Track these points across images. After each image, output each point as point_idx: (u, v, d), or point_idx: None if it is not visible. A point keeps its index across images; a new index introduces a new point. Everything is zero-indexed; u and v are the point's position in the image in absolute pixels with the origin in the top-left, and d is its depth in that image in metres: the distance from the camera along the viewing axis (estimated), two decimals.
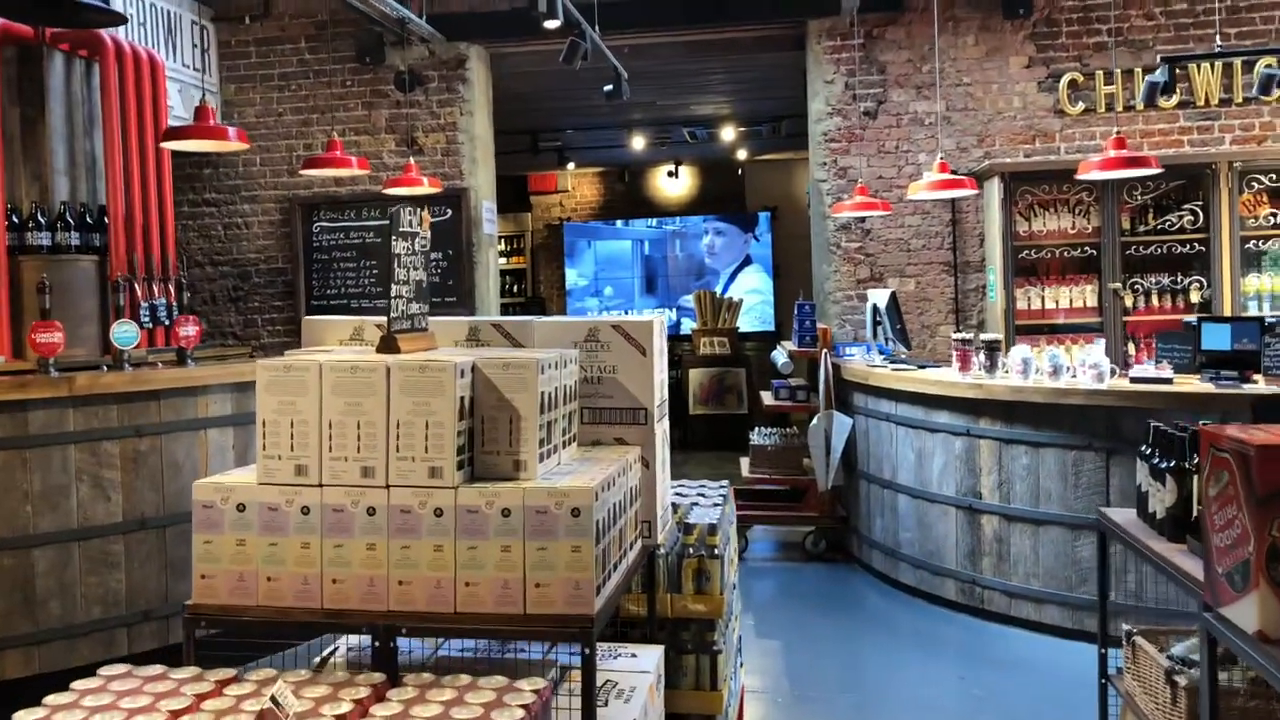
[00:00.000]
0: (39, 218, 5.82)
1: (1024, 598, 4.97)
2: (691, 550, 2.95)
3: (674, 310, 13.34)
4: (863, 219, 7.36)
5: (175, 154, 7.33)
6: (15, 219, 5.76)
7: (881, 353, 6.24)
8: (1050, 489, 4.88)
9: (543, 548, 2.11)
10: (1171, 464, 2.82)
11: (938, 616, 5.29)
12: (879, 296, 6.21)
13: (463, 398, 2.19)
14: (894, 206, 7.20)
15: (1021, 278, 6.95)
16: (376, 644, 2.17)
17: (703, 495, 3.36)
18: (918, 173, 7.30)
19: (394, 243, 2.46)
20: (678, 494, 3.37)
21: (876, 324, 6.20)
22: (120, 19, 4.30)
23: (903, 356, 6.11)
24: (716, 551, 2.96)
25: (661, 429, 2.76)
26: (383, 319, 2.46)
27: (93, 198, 6.15)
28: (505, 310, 12.59)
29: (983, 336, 5.38)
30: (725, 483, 3.53)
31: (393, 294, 2.45)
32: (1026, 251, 6.94)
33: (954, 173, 6.29)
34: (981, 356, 5.26)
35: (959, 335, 5.39)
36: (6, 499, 4.14)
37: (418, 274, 2.59)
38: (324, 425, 2.19)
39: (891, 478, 5.70)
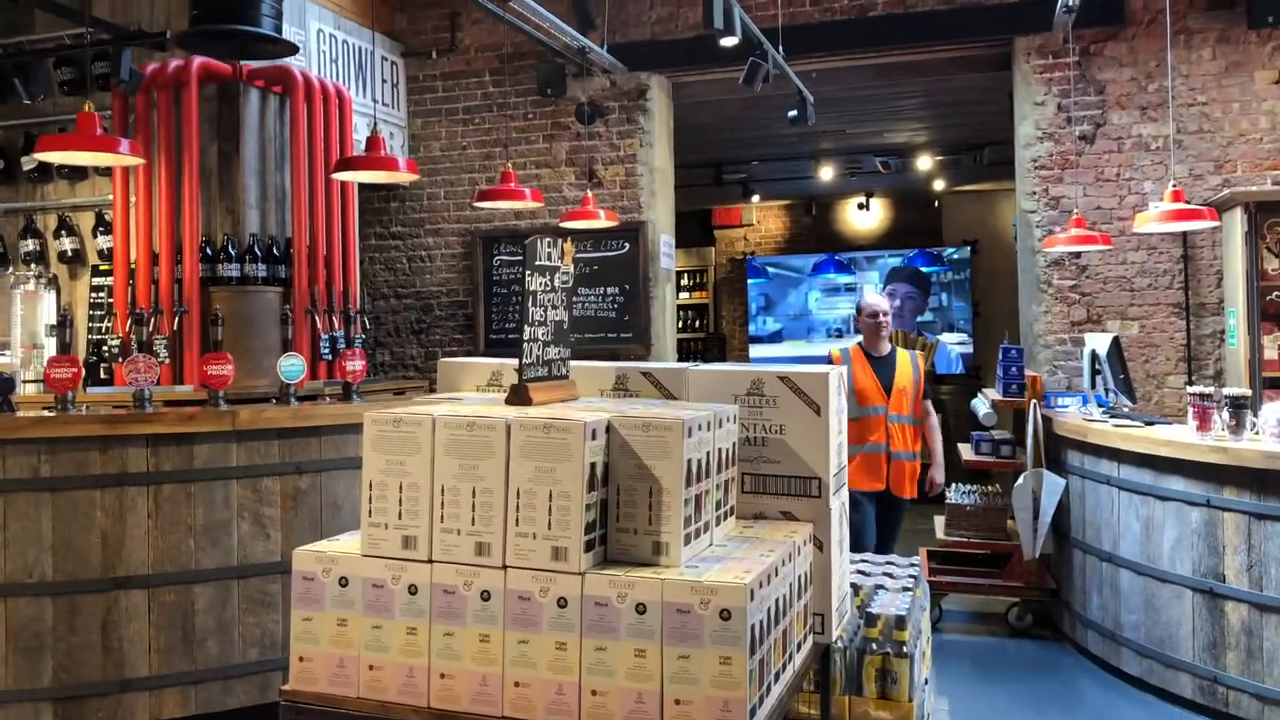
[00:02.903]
0: (230, 250, 5.93)
1: None
2: (875, 646, 2.48)
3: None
4: (1078, 254, 6.62)
5: (364, 188, 7.43)
6: (209, 251, 5.91)
7: (1100, 405, 5.51)
8: None
9: (684, 656, 1.71)
10: None
11: (1170, 717, 4.53)
12: (1098, 342, 5.49)
13: (594, 464, 1.83)
14: (1114, 240, 6.43)
15: (1270, 323, 6.02)
16: None
17: (889, 575, 2.88)
18: (1142, 203, 6.51)
19: (529, 278, 2.15)
20: (859, 572, 2.90)
21: (1095, 373, 5.48)
22: (292, 48, 4.27)
23: (1125, 410, 5.36)
24: (905, 649, 2.48)
25: (839, 502, 2.31)
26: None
27: (280, 230, 6.24)
28: (683, 346, 12.32)
29: (1226, 391, 4.60)
30: (915, 561, 3.03)
31: (526, 337, 2.13)
32: (1276, 293, 6.03)
33: (1188, 202, 5.52)
34: (1225, 415, 4.50)
35: (1197, 389, 4.64)
36: (171, 533, 4.10)
37: (557, 314, 2.27)
38: (435, 491, 1.88)
39: (1112, 550, 4.97)
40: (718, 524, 2.04)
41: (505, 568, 1.83)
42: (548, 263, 2.23)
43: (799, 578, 2.08)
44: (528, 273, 2.15)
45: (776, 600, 1.90)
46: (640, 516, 1.86)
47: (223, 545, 4.17)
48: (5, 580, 3.85)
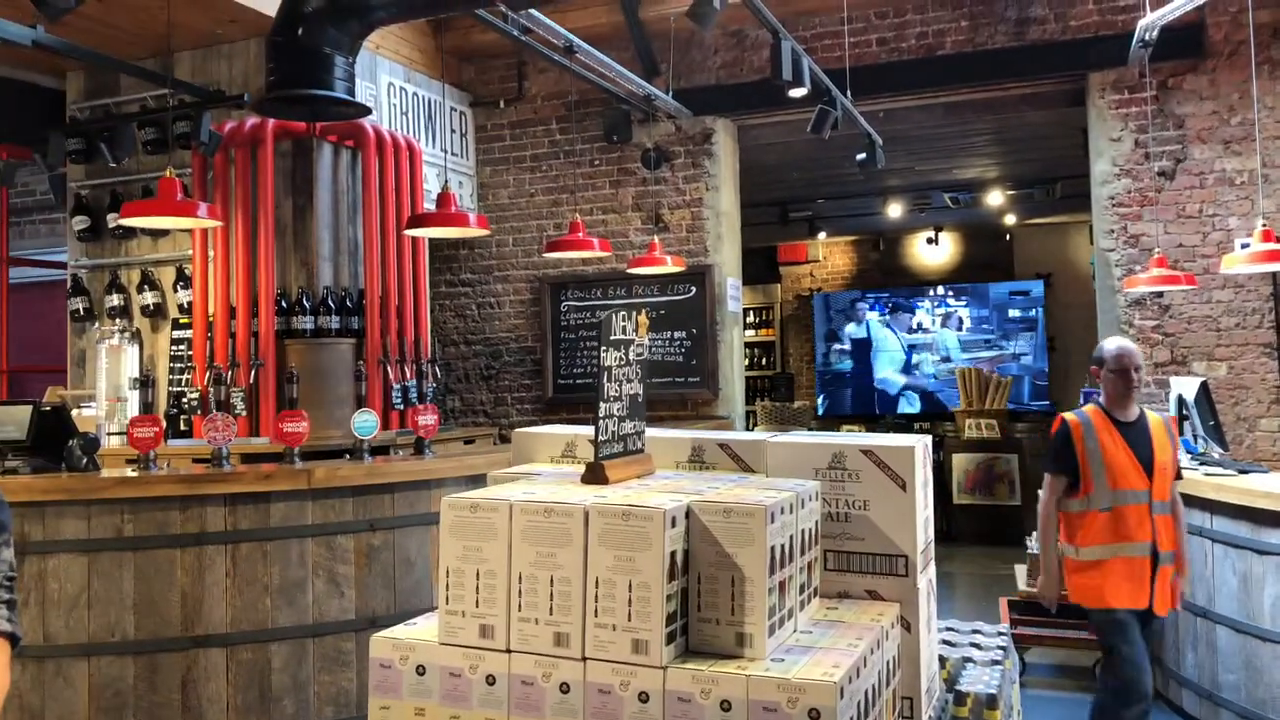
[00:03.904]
0: (304, 302, 6.05)
1: None
2: None
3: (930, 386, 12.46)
4: (1160, 293, 6.42)
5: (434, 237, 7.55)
6: (284, 304, 6.02)
7: (1189, 451, 5.30)
8: None
9: None
10: None
11: None
12: (1186, 387, 5.29)
13: (674, 552, 1.78)
14: (1199, 279, 6.23)
15: None
16: None
17: (976, 645, 2.78)
18: (1227, 240, 6.31)
19: (604, 353, 2.13)
20: (945, 642, 2.80)
21: (1183, 419, 5.28)
22: (365, 110, 4.33)
23: (1216, 457, 5.15)
24: None
25: (926, 579, 2.23)
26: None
27: (353, 282, 6.34)
28: (751, 385, 12.21)
29: None
30: (1004, 629, 2.93)
31: (601, 414, 2.10)
32: None
33: (1279, 240, 5.31)
34: None
35: None
36: (248, 591, 4.14)
37: (632, 387, 2.24)
38: (513, 579, 1.85)
39: (1206, 605, 4.75)
40: (801, 608, 1.98)
41: (585, 659, 1.78)
42: (622, 336, 2.21)
43: (887, 664, 2.01)
44: (602, 348, 2.12)
45: (866, 692, 1.82)
46: (723, 606, 1.80)
47: (298, 604, 4.20)
48: (89, 639, 3.91)
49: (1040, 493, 4.04)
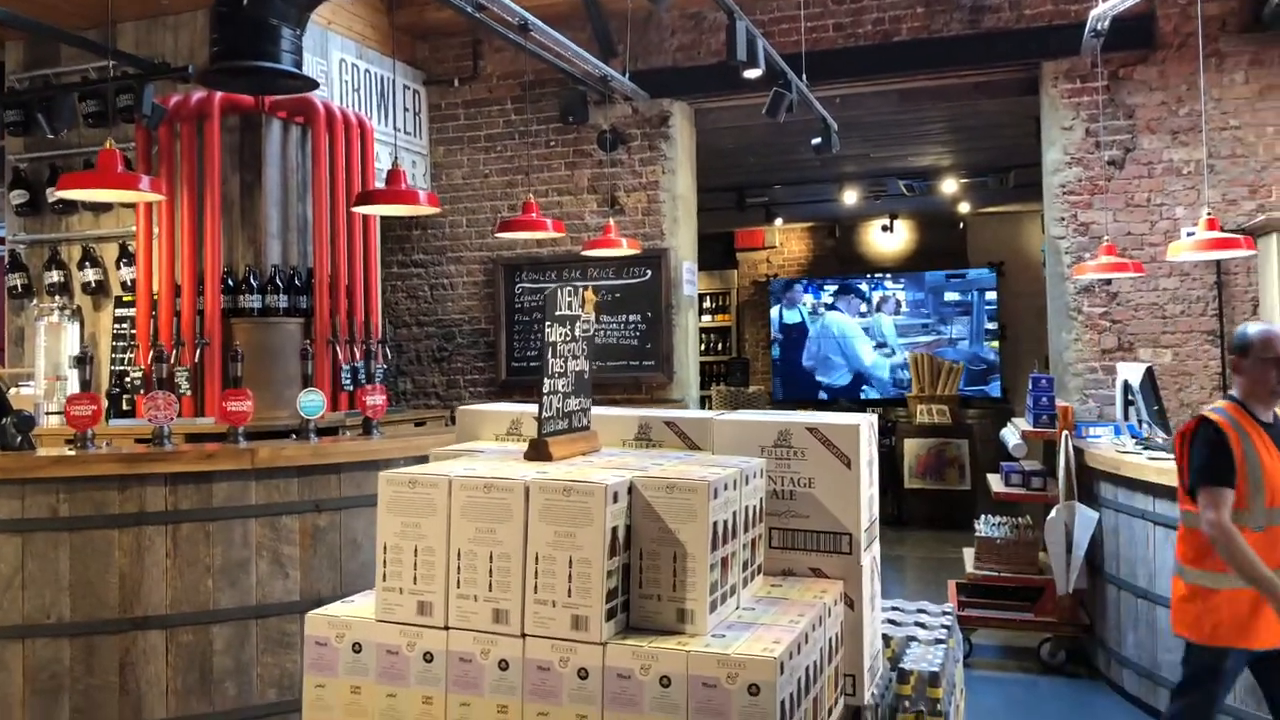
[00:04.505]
0: (251, 281, 5.93)
1: None
2: (908, 704, 2.40)
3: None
4: (1108, 281, 6.50)
5: (386, 216, 7.44)
6: (230, 282, 5.90)
7: (1133, 435, 5.38)
8: None
9: None
10: None
11: None
12: (1131, 372, 5.38)
13: (615, 528, 1.76)
14: (1146, 267, 6.31)
15: None
16: None
17: (921, 625, 2.79)
18: (1174, 228, 6.40)
19: (549, 329, 2.09)
20: (889, 621, 2.81)
21: (1129, 404, 5.36)
22: (313, 84, 4.25)
23: (1159, 441, 5.23)
24: (939, 707, 2.39)
25: (870, 557, 2.23)
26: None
27: (302, 260, 6.23)
28: (706, 370, 12.22)
29: None
30: (948, 609, 2.94)
31: (545, 389, 2.07)
32: None
33: (1223, 229, 5.40)
34: None
35: None
36: (189, 572, 4.06)
37: (578, 364, 2.21)
38: (451, 555, 1.82)
39: (1148, 586, 4.84)
40: (745, 585, 1.97)
41: (524, 636, 1.76)
42: (568, 312, 2.17)
43: (829, 640, 2.00)
44: (548, 324, 2.09)
45: (807, 668, 1.82)
46: (664, 582, 1.78)
47: (241, 585, 4.13)
48: (23, 621, 3.81)
49: (1204, 513, 3.13)
